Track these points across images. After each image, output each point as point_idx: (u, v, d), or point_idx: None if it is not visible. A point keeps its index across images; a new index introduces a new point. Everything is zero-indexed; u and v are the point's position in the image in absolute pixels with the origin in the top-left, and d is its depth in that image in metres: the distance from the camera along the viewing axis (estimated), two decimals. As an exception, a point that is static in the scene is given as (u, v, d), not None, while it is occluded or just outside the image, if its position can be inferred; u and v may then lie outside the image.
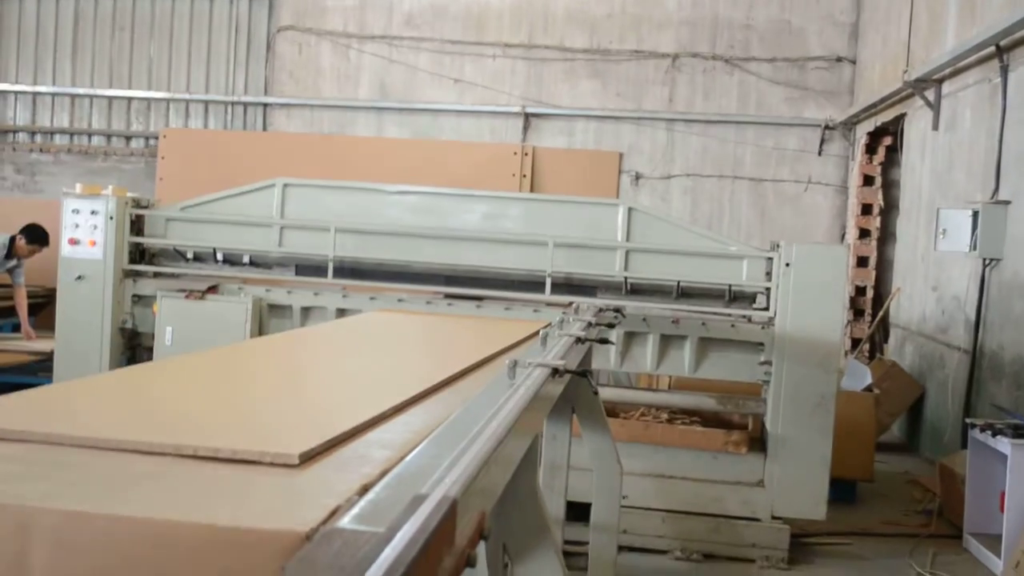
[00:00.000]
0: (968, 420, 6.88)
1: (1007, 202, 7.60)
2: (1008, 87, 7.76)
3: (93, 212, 6.58)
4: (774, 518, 6.06)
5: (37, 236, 9.49)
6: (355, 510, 1.33)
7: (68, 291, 6.62)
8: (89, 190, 6.74)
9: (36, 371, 8.36)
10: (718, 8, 13.32)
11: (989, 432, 6.25)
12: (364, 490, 1.47)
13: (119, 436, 1.76)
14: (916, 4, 10.27)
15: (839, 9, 13.16)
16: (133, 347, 6.79)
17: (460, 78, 13.74)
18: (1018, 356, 7.22)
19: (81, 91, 14.38)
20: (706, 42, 13.36)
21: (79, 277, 6.57)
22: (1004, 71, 7.81)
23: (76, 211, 6.60)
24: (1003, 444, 6.06)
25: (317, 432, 1.84)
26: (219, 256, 6.72)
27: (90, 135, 14.51)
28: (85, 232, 6.58)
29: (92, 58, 14.43)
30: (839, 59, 13.16)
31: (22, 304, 9.70)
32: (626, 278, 6.24)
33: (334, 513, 1.38)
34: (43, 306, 10.79)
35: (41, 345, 8.70)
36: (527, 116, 13.53)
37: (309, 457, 1.72)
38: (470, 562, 1.30)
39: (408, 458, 1.64)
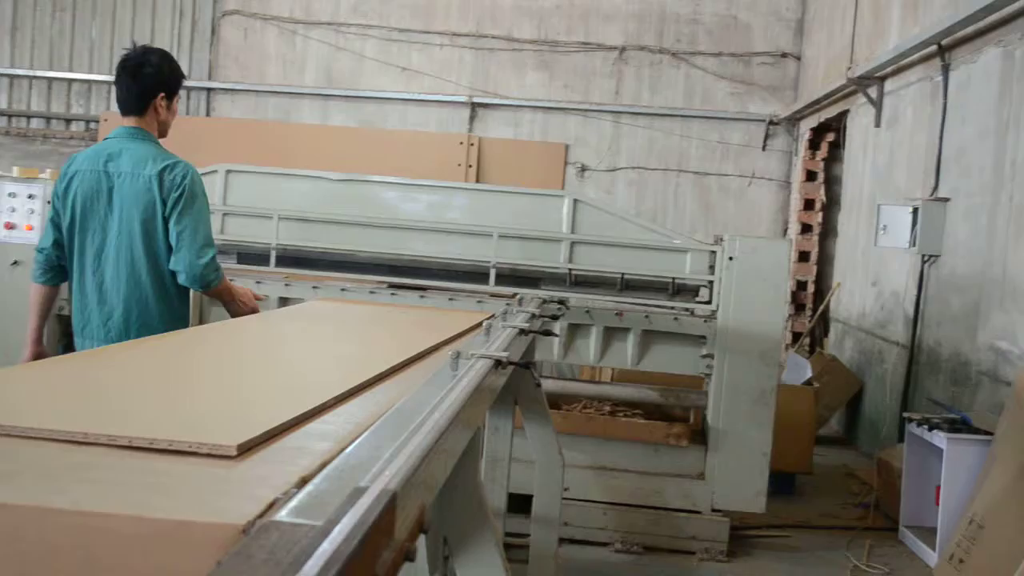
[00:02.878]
0: (905, 414, 6.98)
1: (946, 199, 7.71)
2: (949, 86, 7.86)
3: (30, 196, 6.46)
4: (714, 511, 6.10)
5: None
6: (293, 503, 1.31)
7: (4, 277, 6.50)
8: (26, 173, 6.62)
9: (-30, 357, 8.20)
10: (665, 2, 13.38)
11: (926, 426, 6.33)
12: (303, 482, 1.45)
13: (51, 425, 1.71)
14: (861, 2, 10.38)
15: (785, 6, 13.28)
16: (69, 334, 6.65)
17: (407, 67, 13.69)
18: (955, 352, 7.32)
19: (20, 72, 14.12)
20: (653, 35, 13.42)
21: (15, 262, 6.45)
22: (945, 70, 7.91)
23: (13, 195, 6.48)
24: (939, 438, 6.14)
25: (256, 423, 1.80)
26: (159, 242, 6.61)
27: (29, 117, 14.26)
28: (22, 216, 6.47)
29: (32, 38, 14.17)
30: (784, 55, 13.28)
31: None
32: (571, 270, 6.24)
33: (271, 506, 1.35)
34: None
35: (-25, 331, 8.54)
36: (474, 106, 13.51)
37: (247, 448, 1.69)
38: (409, 556, 1.28)
39: (348, 450, 1.62)
